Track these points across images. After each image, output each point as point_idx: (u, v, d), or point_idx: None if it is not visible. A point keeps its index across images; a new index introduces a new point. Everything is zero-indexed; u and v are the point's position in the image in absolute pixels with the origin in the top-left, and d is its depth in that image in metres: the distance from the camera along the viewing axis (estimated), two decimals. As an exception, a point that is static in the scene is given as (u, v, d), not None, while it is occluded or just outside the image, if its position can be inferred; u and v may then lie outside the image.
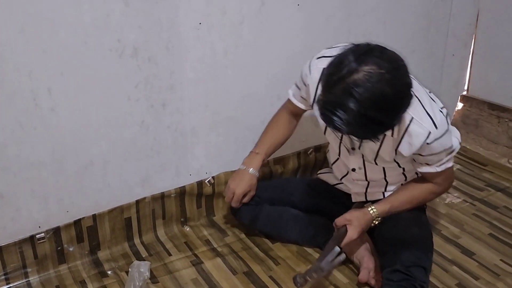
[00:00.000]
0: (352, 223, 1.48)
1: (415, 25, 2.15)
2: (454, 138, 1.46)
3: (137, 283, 1.40)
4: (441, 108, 1.38)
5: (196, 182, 1.80)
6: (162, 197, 1.75)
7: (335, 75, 1.17)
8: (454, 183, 2.08)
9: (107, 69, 1.48)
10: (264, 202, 1.71)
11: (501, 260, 1.64)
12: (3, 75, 1.34)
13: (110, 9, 1.41)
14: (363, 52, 1.17)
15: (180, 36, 1.55)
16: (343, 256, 1.43)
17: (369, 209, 1.50)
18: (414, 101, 1.28)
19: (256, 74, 1.76)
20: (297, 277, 1.44)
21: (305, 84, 1.50)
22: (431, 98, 1.38)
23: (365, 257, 1.58)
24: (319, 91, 1.26)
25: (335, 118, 1.16)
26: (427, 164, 1.42)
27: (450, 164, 1.45)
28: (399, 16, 2.08)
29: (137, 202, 1.70)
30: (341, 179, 1.67)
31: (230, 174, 1.84)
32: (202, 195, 1.84)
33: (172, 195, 1.76)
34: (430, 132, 1.31)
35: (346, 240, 1.47)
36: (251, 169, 1.63)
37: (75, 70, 1.43)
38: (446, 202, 1.96)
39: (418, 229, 1.53)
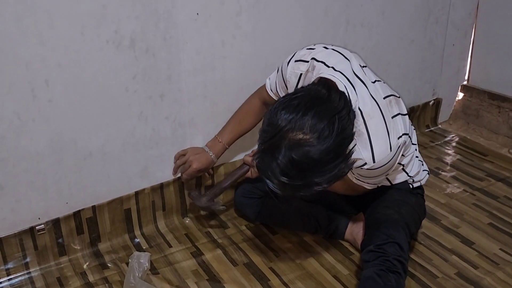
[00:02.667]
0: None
1: (415, 14, 2.14)
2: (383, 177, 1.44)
3: (137, 274, 1.40)
4: (399, 137, 1.34)
5: (196, 173, 1.80)
6: (161, 188, 1.75)
7: (264, 143, 1.18)
8: (454, 173, 2.08)
9: (105, 60, 1.47)
10: (266, 195, 1.71)
11: (500, 249, 1.63)
12: (0, 67, 1.34)
13: (106, 0, 1.41)
14: (295, 111, 1.15)
15: (177, 27, 1.55)
16: (223, 207, 1.69)
17: None
18: (362, 131, 1.29)
19: (255, 64, 1.75)
20: (192, 192, 1.71)
21: (285, 84, 1.51)
22: (386, 126, 1.33)
23: (359, 233, 1.61)
24: None
25: (268, 182, 1.19)
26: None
27: (365, 185, 1.45)
28: (398, 6, 2.07)
29: (137, 193, 1.70)
30: None
31: (229, 165, 1.85)
32: (202, 187, 1.83)
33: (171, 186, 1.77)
34: (365, 163, 1.31)
35: (244, 177, 1.65)
36: (213, 155, 1.67)
37: (73, 62, 1.43)
38: (446, 192, 1.96)
39: (396, 209, 1.51)
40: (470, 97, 2.46)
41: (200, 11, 1.57)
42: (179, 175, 1.75)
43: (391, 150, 1.32)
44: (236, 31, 1.67)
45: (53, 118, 1.46)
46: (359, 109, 1.31)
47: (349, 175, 1.42)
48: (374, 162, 1.31)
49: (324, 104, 1.18)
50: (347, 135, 1.20)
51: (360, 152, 1.30)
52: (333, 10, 1.87)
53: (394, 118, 1.36)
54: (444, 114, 2.52)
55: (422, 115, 2.42)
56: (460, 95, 2.51)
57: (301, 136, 1.14)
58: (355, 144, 1.27)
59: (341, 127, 1.17)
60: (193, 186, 1.81)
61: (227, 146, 1.68)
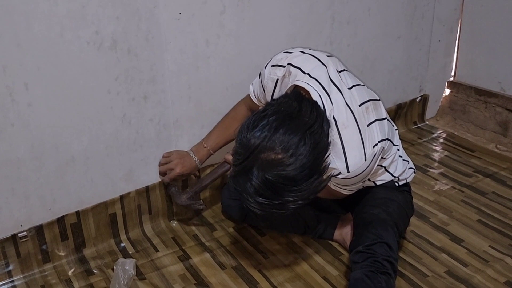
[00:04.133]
0: None
1: (400, 11, 2.13)
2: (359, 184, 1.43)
3: (122, 281, 1.38)
4: (375, 145, 1.32)
5: (182, 175, 1.77)
6: (147, 191, 1.71)
7: (238, 165, 1.17)
8: (442, 170, 2.07)
9: (86, 62, 1.44)
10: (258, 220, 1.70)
11: (490, 246, 1.63)
12: (-23, 71, 1.30)
13: (86, 0, 1.37)
14: (265, 130, 1.13)
15: (160, 26, 1.52)
16: (203, 207, 1.70)
17: None
18: (336, 141, 1.28)
19: (240, 64, 1.73)
20: (172, 188, 1.70)
21: (263, 88, 1.49)
22: (361, 135, 1.31)
23: (348, 234, 1.60)
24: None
25: (246, 202, 1.18)
26: None
27: (342, 191, 1.44)
28: (384, 2, 2.05)
29: (122, 197, 1.67)
30: None
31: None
32: (188, 188, 1.80)
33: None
34: (340, 173, 1.30)
35: (225, 175, 1.66)
36: (198, 160, 1.65)
37: (52, 64, 1.39)
38: (434, 189, 1.95)
39: (383, 208, 1.50)
40: (457, 93, 2.46)
41: (183, 11, 1.54)
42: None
43: (365, 160, 1.31)
44: (220, 30, 1.65)
45: (33, 122, 1.42)
46: (333, 118, 1.29)
47: None
48: (348, 172, 1.30)
49: (295, 120, 1.16)
50: (321, 149, 1.18)
51: (334, 162, 1.29)
52: (318, 7, 1.85)
53: (370, 126, 1.34)
54: (431, 110, 2.51)
55: (409, 112, 2.42)
56: (447, 91, 2.51)
57: (273, 156, 1.12)
58: (329, 154, 1.25)
59: (313, 142, 1.14)
60: (179, 186, 1.79)
61: (212, 152, 1.66)
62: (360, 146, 1.31)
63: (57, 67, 1.40)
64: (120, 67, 1.50)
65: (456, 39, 2.41)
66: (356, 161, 1.30)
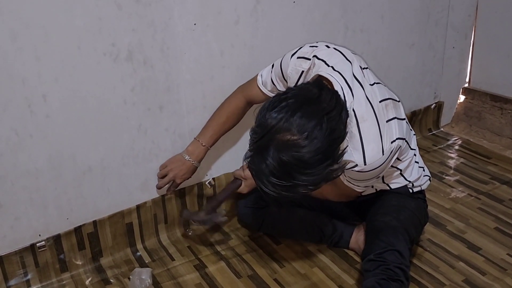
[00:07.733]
0: (247, 180, 1.59)
1: (414, 18, 2.13)
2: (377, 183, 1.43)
3: (139, 290, 1.39)
4: (393, 141, 1.31)
5: (197, 184, 1.78)
6: (163, 201, 1.73)
7: (254, 144, 1.17)
8: (458, 177, 2.06)
9: (102, 73, 1.46)
10: (269, 205, 1.69)
11: (507, 254, 1.61)
12: (-3, 83, 1.33)
13: (102, 13, 1.39)
14: (283, 111, 1.14)
15: (175, 37, 1.54)
16: (224, 218, 1.66)
17: None
18: (355, 133, 1.28)
19: (254, 73, 1.73)
20: (184, 211, 1.70)
21: (285, 79, 1.49)
22: (379, 129, 1.30)
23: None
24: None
25: (258, 182, 1.18)
26: None
27: (356, 188, 1.43)
28: (397, 10, 2.05)
29: (138, 207, 1.69)
30: None
31: (230, 175, 1.83)
32: (203, 197, 1.82)
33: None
34: (357, 165, 1.30)
35: (237, 191, 1.63)
36: (195, 161, 1.63)
37: (70, 76, 1.41)
38: (450, 196, 1.93)
39: (394, 215, 1.49)
40: (472, 99, 2.44)
41: (197, 22, 1.56)
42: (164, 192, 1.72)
43: (383, 154, 1.30)
44: (234, 40, 1.66)
45: (51, 133, 1.44)
46: (353, 110, 1.30)
47: (341, 176, 1.41)
48: (365, 164, 1.30)
49: (313, 105, 1.17)
50: (337, 136, 1.18)
51: (351, 154, 1.29)
52: (331, 16, 1.86)
53: (389, 122, 1.33)
54: (446, 117, 2.50)
55: (424, 119, 2.41)
56: (462, 97, 2.49)
57: (288, 137, 1.13)
58: (347, 146, 1.25)
59: (330, 128, 1.14)
60: (194, 202, 1.80)
61: (209, 148, 1.65)
62: (378, 140, 1.30)
63: (75, 79, 1.42)
64: (136, 78, 1.52)
65: (470, 45, 2.40)
66: (374, 154, 1.30)
